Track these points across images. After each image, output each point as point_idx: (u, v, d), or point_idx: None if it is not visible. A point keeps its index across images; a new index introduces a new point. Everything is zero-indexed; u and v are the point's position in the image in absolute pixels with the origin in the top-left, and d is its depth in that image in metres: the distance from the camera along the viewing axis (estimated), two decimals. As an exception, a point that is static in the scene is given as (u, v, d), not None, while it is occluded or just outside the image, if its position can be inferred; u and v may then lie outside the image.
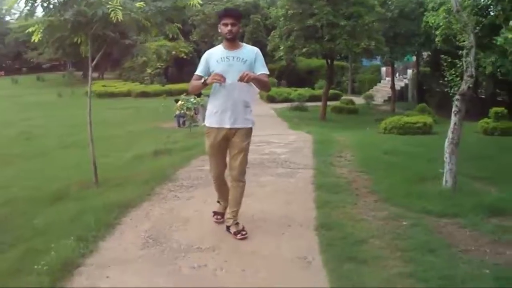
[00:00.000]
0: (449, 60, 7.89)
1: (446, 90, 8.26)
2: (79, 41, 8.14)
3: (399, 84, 34.44)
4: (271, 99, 29.90)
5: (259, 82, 4.95)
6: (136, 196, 6.46)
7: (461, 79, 7.62)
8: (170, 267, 4.26)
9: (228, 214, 5.15)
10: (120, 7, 6.60)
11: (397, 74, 35.69)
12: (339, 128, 18.43)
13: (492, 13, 11.31)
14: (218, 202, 5.51)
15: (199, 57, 5.34)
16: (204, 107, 20.28)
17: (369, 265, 4.25)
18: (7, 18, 79.64)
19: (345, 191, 6.88)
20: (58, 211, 6.48)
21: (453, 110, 7.40)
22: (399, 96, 32.92)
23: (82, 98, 34.79)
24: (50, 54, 52.57)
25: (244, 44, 5.16)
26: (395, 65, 34.33)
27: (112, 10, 6.57)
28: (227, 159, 5.14)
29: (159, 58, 36.52)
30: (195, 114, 18.48)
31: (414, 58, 31.82)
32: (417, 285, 3.93)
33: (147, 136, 16.61)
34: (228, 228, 5.07)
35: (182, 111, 18.97)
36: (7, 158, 14.17)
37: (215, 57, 4.97)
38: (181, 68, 46.79)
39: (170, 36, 9.17)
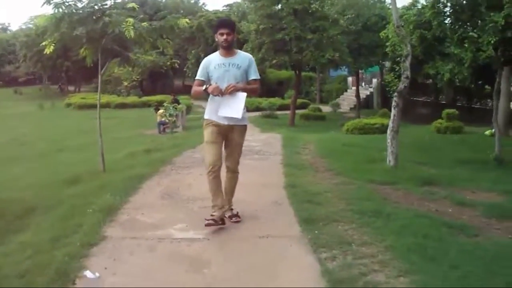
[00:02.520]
0: (389, 65, 9.80)
1: (387, 89, 10.12)
2: (84, 53, 9.81)
3: (364, 93, 36.30)
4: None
5: (246, 89, 5.25)
6: (146, 173, 8.26)
7: (399, 80, 9.53)
8: (184, 208, 6.12)
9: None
10: (132, 27, 8.34)
11: (363, 84, 37.69)
12: (306, 131, 20.20)
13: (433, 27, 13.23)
14: (212, 215, 5.29)
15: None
16: (183, 114, 22.07)
17: (321, 205, 6.12)
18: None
19: (306, 168, 8.79)
20: (83, 185, 8.13)
21: (392, 104, 9.36)
22: (364, 104, 34.70)
23: (62, 109, 36.20)
24: (28, 67, 53.55)
25: (238, 51, 5.44)
26: (364, 75, 36.36)
27: (125, 29, 8.30)
28: (223, 151, 5.48)
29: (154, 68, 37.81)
30: (176, 120, 20.24)
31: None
32: (354, 216, 5.70)
33: (133, 141, 17.83)
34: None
35: (163, 119, 20.67)
36: (9, 159, 15.35)
37: (213, 63, 5.27)
38: (155, 81, 48.33)
39: (161, 49, 10.86)
